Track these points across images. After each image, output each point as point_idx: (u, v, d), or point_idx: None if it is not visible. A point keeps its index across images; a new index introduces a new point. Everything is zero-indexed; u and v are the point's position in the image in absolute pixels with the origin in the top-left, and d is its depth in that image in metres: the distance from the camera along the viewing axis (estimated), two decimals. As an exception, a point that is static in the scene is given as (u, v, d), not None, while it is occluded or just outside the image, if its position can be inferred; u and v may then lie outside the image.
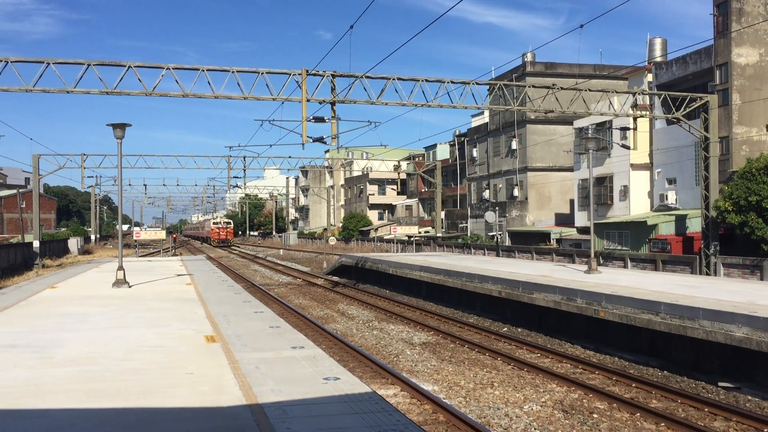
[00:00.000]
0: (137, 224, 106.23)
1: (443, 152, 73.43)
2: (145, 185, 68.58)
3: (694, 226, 32.39)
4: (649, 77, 41.30)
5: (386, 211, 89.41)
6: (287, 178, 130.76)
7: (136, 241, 60.00)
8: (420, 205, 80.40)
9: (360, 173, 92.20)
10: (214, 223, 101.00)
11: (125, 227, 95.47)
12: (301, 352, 10.13)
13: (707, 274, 26.54)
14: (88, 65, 22.89)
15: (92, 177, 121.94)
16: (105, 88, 22.99)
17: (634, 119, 28.32)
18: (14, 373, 8.80)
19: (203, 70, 23.75)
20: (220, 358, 9.67)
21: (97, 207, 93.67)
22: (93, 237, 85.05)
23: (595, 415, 11.56)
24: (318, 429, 6.40)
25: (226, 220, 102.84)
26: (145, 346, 10.66)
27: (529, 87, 27.46)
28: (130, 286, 20.31)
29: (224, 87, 24.60)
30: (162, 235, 61.64)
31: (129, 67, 23.11)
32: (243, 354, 9.91)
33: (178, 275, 25.41)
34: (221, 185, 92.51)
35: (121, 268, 20.60)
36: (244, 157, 52.41)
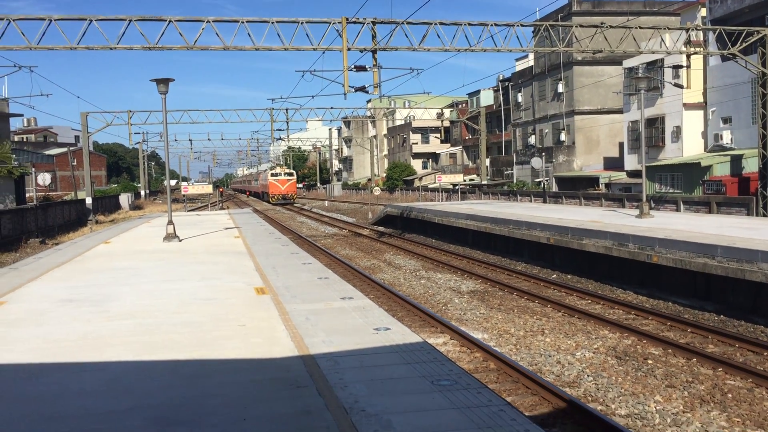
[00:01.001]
0: (184, 179, 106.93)
1: (487, 98, 72.17)
2: (190, 140, 69.51)
3: (751, 166, 31.29)
4: (703, 12, 39.50)
5: (430, 160, 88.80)
6: (330, 129, 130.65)
7: (184, 195, 60.96)
8: (464, 153, 79.59)
9: (402, 122, 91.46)
10: (272, 175, 79.83)
11: (173, 182, 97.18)
12: (350, 302, 10.13)
13: (765, 215, 25.71)
14: (130, 21, 22.88)
15: (139, 133, 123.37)
16: (147, 43, 22.99)
17: (688, 57, 27.24)
18: (72, 327, 9.01)
19: (243, 22, 23.54)
20: (270, 309, 9.74)
21: (145, 163, 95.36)
22: (143, 192, 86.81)
23: (649, 361, 11.37)
24: (370, 379, 6.38)
25: (288, 171, 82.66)
26: (197, 299, 10.80)
27: (576, 27, 26.53)
28: (180, 240, 20.63)
29: (264, 39, 24.41)
30: (209, 189, 62.46)
31: (170, 21, 23.03)
32: (293, 305, 9.96)
33: (226, 228, 25.73)
34: (265, 138, 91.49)
35: (170, 222, 20.90)
36: (287, 110, 52.43)
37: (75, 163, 70.35)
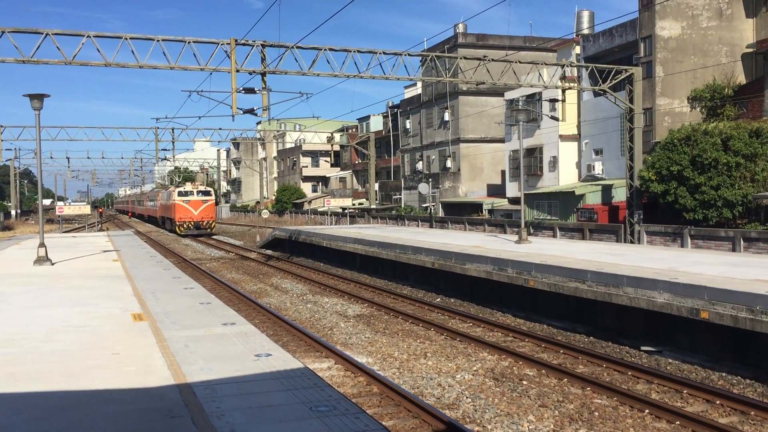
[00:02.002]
0: (60, 198, 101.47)
1: (376, 124, 73.25)
2: (67, 158, 66.19)
3: (620, 195, 33.38)
4: (577, 49, 42.03)
5: (320, 184, 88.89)
6: (218, 150, 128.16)
7: (59, 216, 57.90)
8: (354, 177, 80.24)
9: (293, 145, 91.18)
10: (180, 194, 56.59)
11: (47, 202, 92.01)
12: (232, 328, 9.97)
13: (632, 242, 27.44)
14: (2, 32, 21.67)
15: (11, 150, 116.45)
16: (21, 56, 21.86)
17: (563, 91, 28.78)
18: (-75, 358, 8.35)
19: (126, 39, 22.84)
20: (147, 336, 9.43)
21: (17, 181, 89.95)
22: (13, 212, 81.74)
23: (524, 382, 11.84)
24: (248, 407, 6.31)
25: (204, 189, 58.53)
26: (68, 326, 10.29)
27: (460, 58, 27.53)
28: (52, 264, 19.59)
29: (149, 56, 23.73)
30: (87, 209, 59.59)
31: (47, 34, 22.01)
32: (172, 332, 9.68)
33: (105, 251, 24.67)
34: (149, 158, 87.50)
35: (42, 244, 19.83)
36: (173, 129, 51.02)
37: (-63, 180, 65.33)
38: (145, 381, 7.24)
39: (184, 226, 55.64)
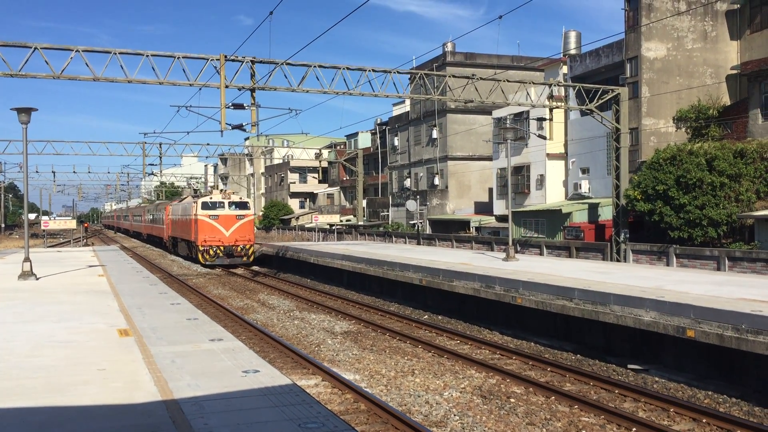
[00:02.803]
0: (45, 213, 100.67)
1: (365, 141, 73.47)
2: (53, 172, 65.80)
3: (606, 214, 33.59)
4: (564, 69, 42.46)
5: (307, 200, 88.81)
6: (206, 165, 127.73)
7: (44, 230, 57.48)
8: (341, 194, 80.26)
9: (281, 161, 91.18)
10: (205, 206, 40.35)
11: (32, 216, 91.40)
12: (219, 344, 9.92)
13: (618, 260, 27.58)
14: (-10, 45, 21.63)
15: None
16: (9, 70, 21.80)
17: (550, 110, 29.07)
18: None
19: (116, 53, 22.84)
20: (134, 352, 9.35)
21: (2, 195, 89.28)
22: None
23: (512, 400, 11.83)
24: (236, 424, 6.26)
25: (239, 200, 42.10)
26: (53, 341, 10.19)
27: (449, 77, 27.72)
28: (37, 279, 19.41)
29: (138, 71, 23.75)
30: (72, 224, 59.29)
31: (35, 48, 21.97)
32: (158, 348, 9.61)
33: (90, 266, 24.49)
34: (136, 173, 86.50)
35: (27, 259, 19.66)
36: (160, 144, 50.97)
37: None
38: (131, 397, 7.17)
39: (211, 252, 38.79)
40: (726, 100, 34.54)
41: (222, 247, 38.85)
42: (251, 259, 39.52)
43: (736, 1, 34.14)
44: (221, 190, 43.09)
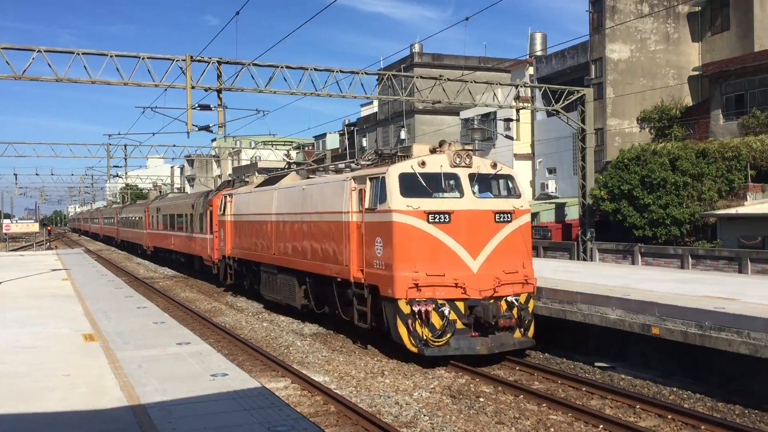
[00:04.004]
0: (7, 216, 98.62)
1: (333, 141, 73.35)
2: (15, 174, 64.63)
3: (573, 213, 34.01)
4: (531, 70, 42.89)
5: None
6: (172, 167, 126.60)
7: (6, 234, 56.38)
8: (310, 195, 79.94)
9: (248, 162, 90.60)
10: (412, 185, 13.60)
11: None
12: (187, 348, 9.82)
13: (584, 259, 27.94)
14: (-52, 45, 21.15)
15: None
16: (-32, 70, 21.34)
17: (517, 111, 29.31)
18: None
19: (79, 54, 22.50)
20: (99, 357, 9.21)
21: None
22: (-43, 230, 79.18)
23: (481, 399, 11.90)
24: (205, 428, 6.21)
25: (494, 170, 14.72)
26: (16, 347, 10.00)
27: (417, 78, 27.83)
28: (-1, 283, 19.03)
29: (102, 71, 23.39)
30: (35, 227, 58.26)
31: (-5, 48, 21.54)
32: (124, 352, 9.49)
33: (54, 270, 24.07)
34: (100, 175, 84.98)
35: (-12, 263, 19.25)
36: (125, 146, 50.22)
37: None
38: (97, 403, 7.07)
39: (436, 318, 13.49)
40: (688, 101, 35.24)
41: (464, 303, 13.97)
42: (531, 332, 14.89)
43: (697, 4, 34.83)
44: (443, 144, 14.88)
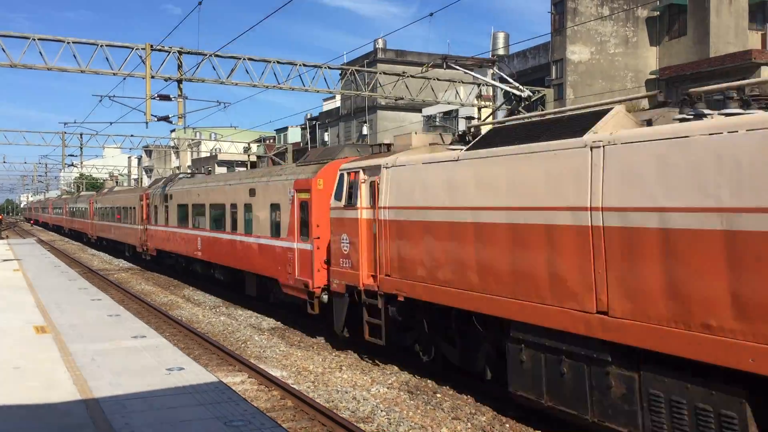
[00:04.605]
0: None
1: (294, 135, 72.94)
2: (-35, 162, 62.69)
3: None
4: (494, 69, 43.24)
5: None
6: (129, 157, 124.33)
7: (-45, 222, 54.76)
8: (270, 188, 79.46)
9: (208, 154, 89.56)
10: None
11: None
12: (142, 341, 9.68)
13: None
14: None
15: None
16: None
17: (479, 109, 29.54)
18: None
19: (35, 39, 21.95)
20: (51, 350, 9.03)
21: None
22: None
23: (438, 395, 11.98)
24: (160, 423, 6.14)
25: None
26: (-37, 339, 9.74)
27: (380, 73, 27.85)
28: (-53, 273, 18.50)
29: (59, 58, 22.88)
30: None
31: (-54, 30, 20.90)
32: (77, 345, 9.31)
33: (4, 260, 23.48)
34: (54, 163, 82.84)
35: (-64, 253, 18.69)
36: (81, 134, 49.23)
37: None
38: (48, 396, 6.93)
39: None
40: (645, 104, 35.95)
41: None
42: None
43: (656, 9, 35.54)
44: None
